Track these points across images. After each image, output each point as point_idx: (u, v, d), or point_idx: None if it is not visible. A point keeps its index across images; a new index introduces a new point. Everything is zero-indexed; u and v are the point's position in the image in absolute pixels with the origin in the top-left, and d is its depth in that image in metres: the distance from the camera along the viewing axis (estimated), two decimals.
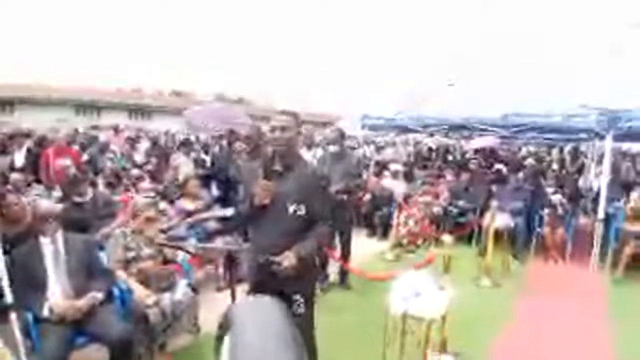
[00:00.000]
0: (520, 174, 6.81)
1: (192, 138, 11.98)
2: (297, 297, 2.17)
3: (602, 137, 5.94)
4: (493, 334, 3.53)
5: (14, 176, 4.86)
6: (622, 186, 7.02)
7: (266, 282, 2.14)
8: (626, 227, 5.24)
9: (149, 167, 6.98)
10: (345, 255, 4.53)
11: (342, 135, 4.53)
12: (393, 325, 2.72)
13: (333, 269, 4.60)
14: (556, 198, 5.95)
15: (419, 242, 6.24)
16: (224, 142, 6.65)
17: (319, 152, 4.92)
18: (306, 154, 4.52)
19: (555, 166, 10.47)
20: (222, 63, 70.10)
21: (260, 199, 2.08)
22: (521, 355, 3.26)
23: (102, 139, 9.22)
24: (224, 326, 1.19)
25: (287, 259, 1.98)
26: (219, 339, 1.18)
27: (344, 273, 4.58)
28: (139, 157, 8.33)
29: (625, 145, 11.59)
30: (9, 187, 4.31)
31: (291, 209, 2.10)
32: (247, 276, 2.36)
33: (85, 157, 7.13)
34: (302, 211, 2.11)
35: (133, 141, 9.94)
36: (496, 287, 4.68)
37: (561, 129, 6.70)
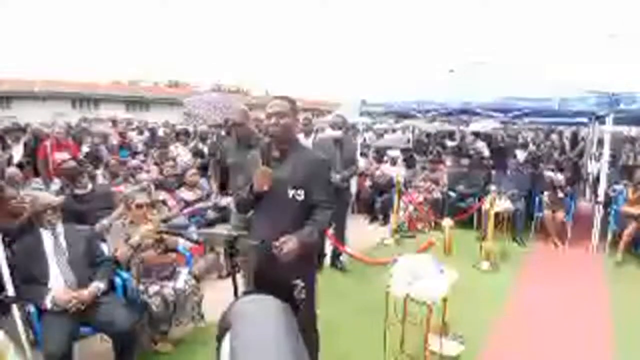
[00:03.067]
0: (520, 153, 6.80)
1: (190, 128, 11.92)
2: (298, 282, 2.16)
3: (602, 121, 5.90)
4: (494, 317, 3.56)
5: (10, 170, 4.84)
6: (623, 169, 7.02)
7: (267, 267, 2.13)
8: (626, 210, 5.25)
9: (156, 155, 6.92)
10: (340, 239, 4.58)
11: (344, 122, 4.54)
12: (394, 309, 2.73)
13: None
14: (556, 180, 5.94)
15: (420, 227, 6.27)
16: (222, 132, 6.62)
17: (323, 134, 4.90)
18: (304, 142, 4.50)
19: (554, 152, 10.46)
20: (218, 53, 69.58)
21: (260, 185, 2.07)
22: (522, 339, 3.28)
23: (96, 130, 9.24)
24: (224, 325, 1.18)
25: (289, 243, 1.97)
26: (219, 339, 1.18)
27: (335, 255, 4.67)
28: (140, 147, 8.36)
29: (626, 129, 11.53)
30: (7, 181, 4.30)
31: (290, 194, 2.10)
32: (247, 262, 2.36)
33: (86, 149, 7.13)
34: (301, 196, 2.11)
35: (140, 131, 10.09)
36: (496, 271, 4.70)
37: (560, 113, 6.66)
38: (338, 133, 4.49)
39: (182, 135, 8.29)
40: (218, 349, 1.15)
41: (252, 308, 1.21)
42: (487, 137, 10.94)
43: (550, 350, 3.12)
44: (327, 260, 4.69)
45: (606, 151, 5.56)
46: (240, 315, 1.13)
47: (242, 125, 3.27)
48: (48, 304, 2.49)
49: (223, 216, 4.27)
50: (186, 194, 4.32)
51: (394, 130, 13.91)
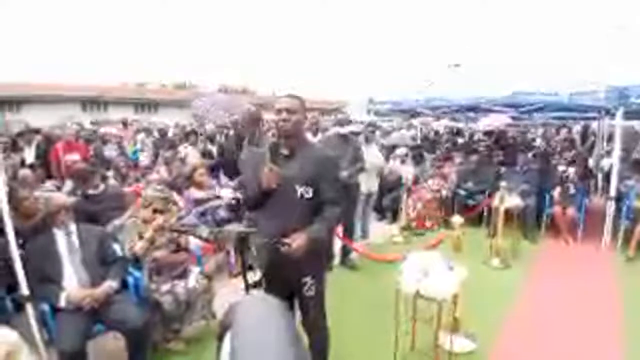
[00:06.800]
0: (530, 155, 6.76)
1: (198, 129, 11.96)
2: (307, 279, 2.18)
3: (612, 115, 5.83)
4: (505, 314, 3.54)
5: (23, 172, 4.91)
6: (634, 165, 6.92)
7: (276, 265, 2.15)
8: (638, 206, 5.18)
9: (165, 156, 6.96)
10: (349, 236, 4.60)
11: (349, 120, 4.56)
12: (404, 306, 2.73)
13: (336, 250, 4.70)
14: (571, 172, 5.88)
15: (428, 224, 6.25)
16: (231, 132, 6.64)
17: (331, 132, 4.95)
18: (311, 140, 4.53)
19: (565, 147, 10.33)
20: (223, 54, 69.84)
21: (268, 183, 2.08)
22: (533, 336, 3.26)
23: (100, 133, 9.37)
24: (225, 325, 1.19)
25: (298, 240, 1.98)
26: (220, 338, 1.19)
27: (344, 253, 4.68)
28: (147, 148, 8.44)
29: (638, 124, 11.28)
30: (20, 182, 4.36)
31: (299, 191, 2.10)
32: (257, 261, 2.38)
33: (91, 152, 7.20)
34: (309, 194, 2.11)
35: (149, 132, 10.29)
36: (507, 268, 4.67)
37: (570, 107, 6.60)
38: (346, 130, 4.49)
39: (191, 136, 8.30)
40: (219, 347, 1.16)
41: (253, 308, 1.21)
42: (490, 134, 10.84)
43: (561, 348, 3.10)
44: (337, 259, 4.69)
45: (617, 146, 5.50)
46: (241, 315, 1.13)
47: (250, 126, 3.28)
48: (62, 302, 2.53)
49: (235, 215, 4.32)
50: (196, 194, 4.35)
51: (400, 128, 13.85)
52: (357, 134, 4.78)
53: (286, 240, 1.98)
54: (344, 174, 4.16)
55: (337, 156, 2.42)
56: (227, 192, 4.49)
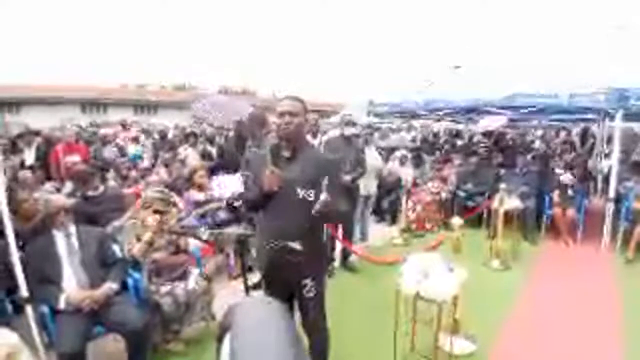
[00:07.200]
0: (529, 157, 6.76)
1: (197, 131, 11.98)
2: (307, 281, 2.18)
3: (612, 117, 5.84)
4: (504, 315, 3.54)
5: (23, 174, 4.91)
6: (633, 166, 6.93)
7: (276, 267, 2.15)
8: (637, 207, 5.18)
9: (166, 156, 6.97)
10: (348, 239, 4.61)
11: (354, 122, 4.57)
12: (404, 307, 2.73)
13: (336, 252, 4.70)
14: (566, 178, 5.88)
15: (428, 226, 6.25)
16: (230, 134, 6.64)
17: (332, 134, 4.95)
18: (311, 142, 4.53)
19: (564, 149, 10.35)
20: (224, 54, 69.95)
21: (269, 185, 2.08)
22: (533, 337, 3.25)
23: (101, 133, 9.39)
24: (224, 326, 1.19)
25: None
26: (219, 339, 1.19)
27: (344, 256, 4.69)
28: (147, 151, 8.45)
29: (637, 126, 11.27)
30: (19, 184, 4.36)
31: (301, 194, 2.09)
32: (257, 262, 2.38)
33: (90, 153, 7.20)
34: (311, 196, 2.09)
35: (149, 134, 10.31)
36: (506, 269, 4.67)
37: (569, 110, 6.60)
38: (350, 131, 4.47)
39: (190, 137, 8.31)
40: (218, 349, 1.16)
41: (252, 309, 1.21)
42: (490, 136, 10.84)
43: (561, 349, 3.09)
44: (336, 262, 4.68)
45: (616, 148, 5.51)
46: (241, 316, 1.13)
47: (256, 128, 3.27)
48: (62, 304, 2.53)
49: (235, 217, 4.32)
50: (196, 195, 4.35)
51: (399, 130, 13.87)
52: (357, 135, 4.78)
53: (295, 246, 1.98)
54: (346, 178, 4.16)
55: (340, 158, 2.42)
56: (231, 180, 4.44)
